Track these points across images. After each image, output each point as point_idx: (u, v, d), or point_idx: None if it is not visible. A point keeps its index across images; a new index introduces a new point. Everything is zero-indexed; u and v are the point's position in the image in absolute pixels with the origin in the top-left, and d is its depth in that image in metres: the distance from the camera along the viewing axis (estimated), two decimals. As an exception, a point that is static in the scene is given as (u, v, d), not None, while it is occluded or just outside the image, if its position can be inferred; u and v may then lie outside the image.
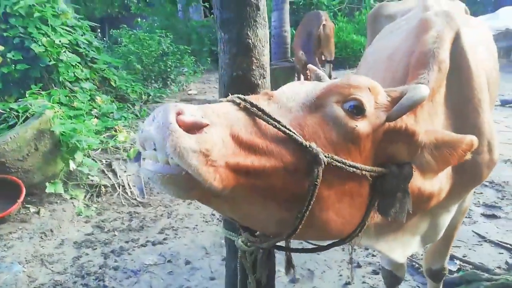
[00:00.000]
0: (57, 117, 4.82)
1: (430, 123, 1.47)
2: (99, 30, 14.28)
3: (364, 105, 1.18)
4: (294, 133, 1.07)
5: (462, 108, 1.68)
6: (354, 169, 1.15)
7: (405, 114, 1.21)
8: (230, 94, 1.82)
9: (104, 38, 14.12)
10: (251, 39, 1.74)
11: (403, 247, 1.78)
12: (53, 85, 6.61)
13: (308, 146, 1.07)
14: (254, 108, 1.08)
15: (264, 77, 1.81)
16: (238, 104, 1.10)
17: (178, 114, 0.93)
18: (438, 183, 1.50)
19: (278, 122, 1.07)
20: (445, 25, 1.70)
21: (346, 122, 1.16)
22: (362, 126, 1.17)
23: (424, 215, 1.80)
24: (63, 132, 4.70)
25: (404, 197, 1.24)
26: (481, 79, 1.76)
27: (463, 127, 1.64)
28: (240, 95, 1.13)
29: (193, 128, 0.93)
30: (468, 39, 1.76)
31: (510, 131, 7.01)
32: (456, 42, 1.69)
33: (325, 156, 1.08)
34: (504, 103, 8.51)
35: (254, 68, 1.76)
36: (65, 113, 5.26)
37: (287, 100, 1.20)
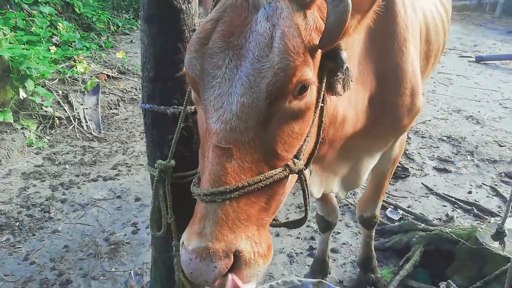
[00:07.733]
0: (6, 40, 4.49)
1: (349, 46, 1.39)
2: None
3: (310, 82, 1.04)
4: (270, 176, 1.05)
5: (386, 43, 1.62)
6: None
7: (339, 38, 1.01)
8: (148, 18, 1.66)
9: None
10: None
11: (321, 183, 1.83)
12: (8, 6, 6.14)
13: (288, 174, 1.09)
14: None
15: (189, 2, 1.61)
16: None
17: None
18: (352, 109, 1.50)
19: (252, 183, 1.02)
20: None
21: (299, 107, 1.06)
22: (310, 96, 1.08)
23: (348, 157, 1.82)
24: (12, 57, 4.41)
25: (346, 71, 1.20)
26: (409, 20, 1.69)
27: (386, 64, 1.61)
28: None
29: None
30: None
31: (478, 88, 7.01)
32: None
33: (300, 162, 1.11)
34: (479, 59, 8.40)
35: None
36: (17, 37, 4.90)
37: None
